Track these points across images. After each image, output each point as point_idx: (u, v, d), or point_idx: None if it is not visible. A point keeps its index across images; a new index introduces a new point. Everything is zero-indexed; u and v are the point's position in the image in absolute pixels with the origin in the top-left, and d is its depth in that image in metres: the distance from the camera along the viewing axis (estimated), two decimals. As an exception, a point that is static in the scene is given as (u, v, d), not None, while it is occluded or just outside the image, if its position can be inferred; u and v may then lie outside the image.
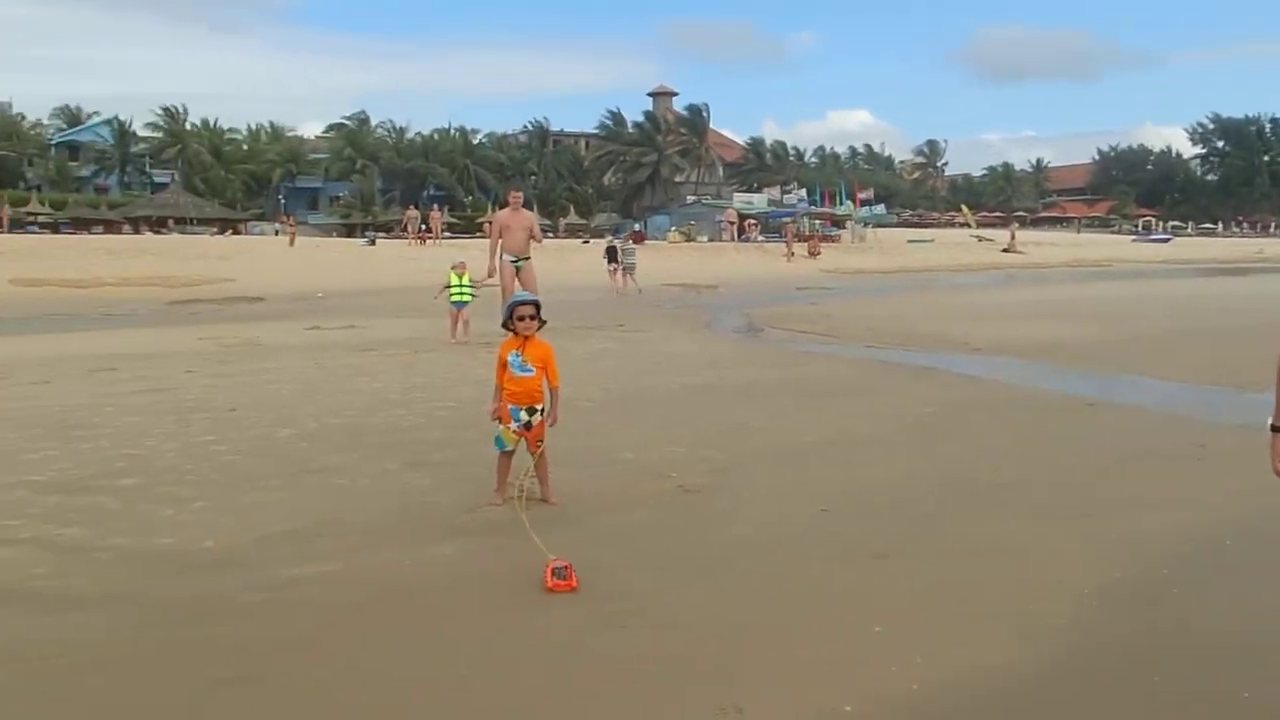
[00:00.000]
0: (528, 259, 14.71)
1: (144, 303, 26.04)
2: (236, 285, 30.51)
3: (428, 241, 45.29)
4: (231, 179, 78.79)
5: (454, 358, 12.60)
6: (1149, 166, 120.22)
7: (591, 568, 4.79)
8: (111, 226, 61.11)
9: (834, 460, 7.22)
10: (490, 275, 14.67)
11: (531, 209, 15.78)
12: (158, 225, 61.31)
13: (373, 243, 49.04)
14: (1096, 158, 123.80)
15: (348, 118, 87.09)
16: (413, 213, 49.79)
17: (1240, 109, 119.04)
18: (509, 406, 5.88)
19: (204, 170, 77.44)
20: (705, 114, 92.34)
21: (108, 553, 5.02)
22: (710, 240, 58.95)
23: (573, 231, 69.54)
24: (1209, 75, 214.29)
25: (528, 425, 5.94)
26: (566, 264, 37.18)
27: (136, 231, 57.31)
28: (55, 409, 8.81)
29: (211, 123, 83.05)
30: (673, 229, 61.51)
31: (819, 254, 51.27)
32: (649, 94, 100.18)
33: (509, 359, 5.89)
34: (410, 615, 4.33)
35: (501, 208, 15.81)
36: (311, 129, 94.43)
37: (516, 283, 14.04)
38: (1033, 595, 4.66)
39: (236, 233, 60.30)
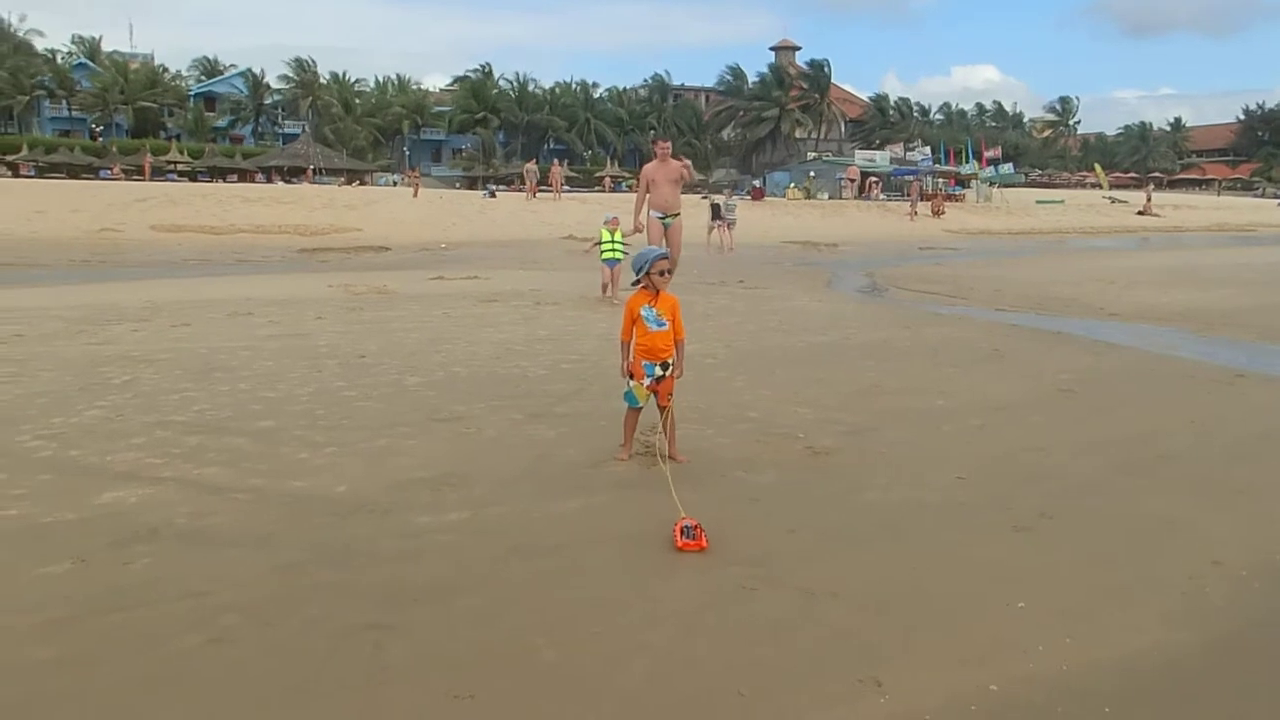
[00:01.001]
0: (677, 215, 13.59)
1: (276, 249, 26.85)
2: (363, 235, 31.21)
3: (538, 195, 44.95)
4: (359, 130, 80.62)
5: (577, 311, 12.61)
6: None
7: (719, 528, 4.69)
8: (246, 175, 63.30)
9: (969, 426, 6.94)
10: (637, 230, 13.71)
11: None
12: (290, 174, 63.20)
13: (493, 195, 49.55)
14: (1241, 117, 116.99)
15: (472, 70, 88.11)
16: (531, 167, 49.85)
17: None
18: (642, 362, 5.79)
19: (333, 121, 79.38)
20: (827, 69, 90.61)
21: (246, 494, 5.13)
22: (831, 198, 57.80)
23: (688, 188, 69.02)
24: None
25: (659, 380, 5.85)
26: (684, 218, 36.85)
27: (269, 180, 59.23)
28: (195, 351, 9.10)
29: (341, 75, 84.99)
30: (792, 185, 60.51)
31: (943, 213, 49.83)
32: (771, 48, 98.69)
33: (642, 313, 5.78)
34: (540, 570, 4.30)
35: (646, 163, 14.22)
36: (436, 82, 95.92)
37: (665, 241, 13.12)
38: (1187, 574, 4.40)
39: (363, 183, 61.67)
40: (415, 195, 43.98)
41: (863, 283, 19.61)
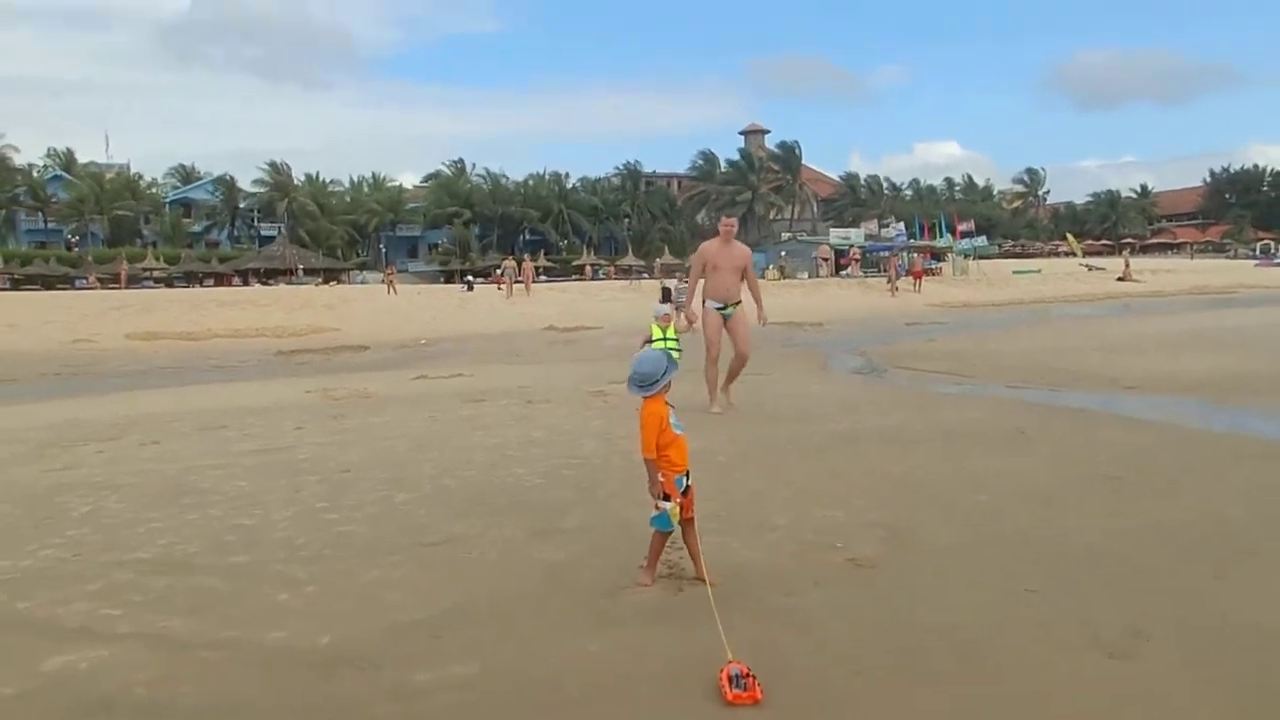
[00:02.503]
0: (738, 304, 11.35)
1: (253, 353, 26.21)
2: (342, 334, 30.65)
3: (514, 291, 43.97)
4: (334, 230, 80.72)
5: (569, 408, 11.96)
6: (1264, 187, 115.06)
7: (770, 669, 4.00)
8: (222, 279, 62.97)
9: (1021, 524, 6.29)
10: (690, 324, 11.68)
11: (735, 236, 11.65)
12: (266, 277, 62.86)
13: (471, 288, 49.23)
14: (1207, 180, 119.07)
15: (445, 165, 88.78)
16: (509, 263, 49.12)
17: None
18: (673, 477, 5.13)
19: (308, 222, 79.48)
20: (798, 151, 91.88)
21: (216, 650, 4.40)
22: (810, 277, 57.86)
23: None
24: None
25: (685, 491, 5.20)
26: (649, 304, 36.51)
27: (246, 283, 58.83)
28: (165, 473, 8.39)
29: (315, 176, 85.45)
30: (770, 266, 60.60)
31: (921, 278, 49.85)
32: (741, 132, 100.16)
33: (672, 421, 5.16)
34: (567, 737, 3.60)
35: (706, 238, 12.13)
36: (410, 179, 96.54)
37: (724, 335, 11.32)
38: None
39: (339, 282, 61.35)
40: (390, 292, 43.58)
41: (860, 363, 19.11)
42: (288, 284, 56.83)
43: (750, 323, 11.33)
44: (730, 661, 3.98)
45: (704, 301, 11.36)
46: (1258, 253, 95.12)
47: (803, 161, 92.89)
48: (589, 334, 31.85)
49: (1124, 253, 78.98)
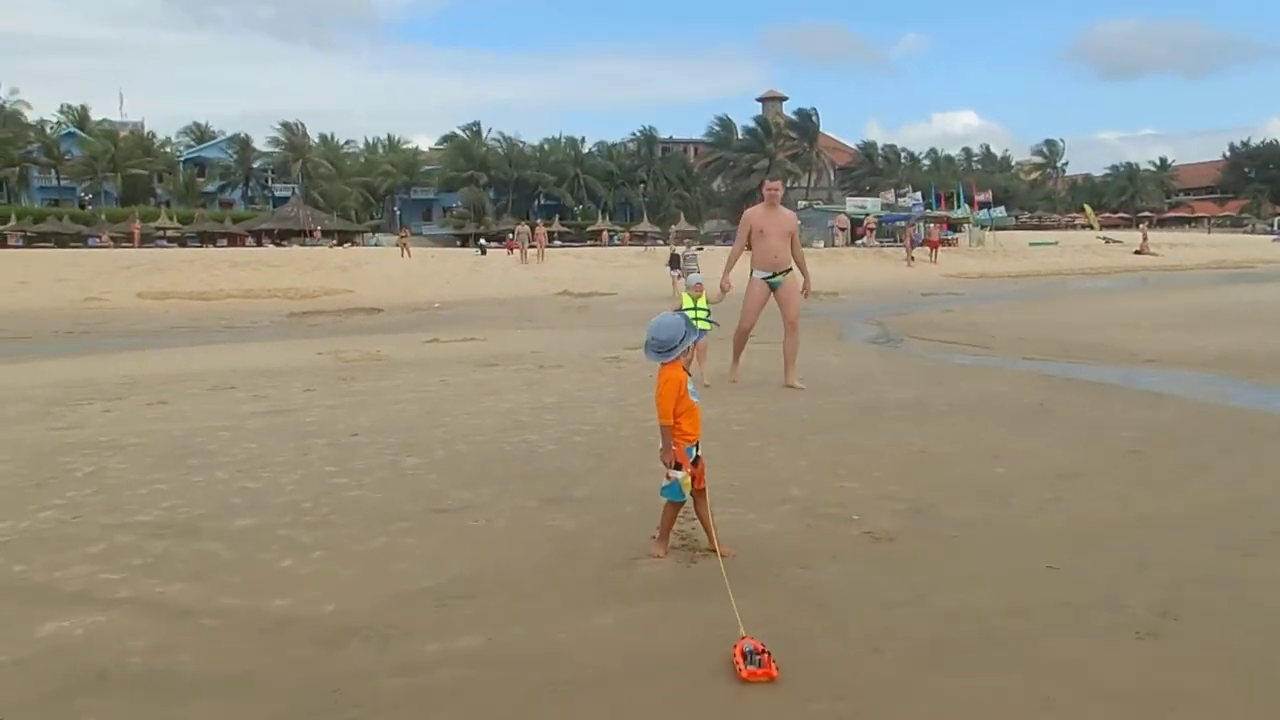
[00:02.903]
0: (789, 271, 10.75)
1: (265, 314, 26.15)
2: (355, 296, 30.56)
3: (527, 256, 43.42)
4: (349, 191, 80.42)
5: (582, 374, 11.82)
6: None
7: (786, 646, 3.86)
8: (235, 240, 62.88)
9: (1041, 500, 6.13)
10: (724, 291, 10.73)
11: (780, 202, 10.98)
12: (279, 238, 62.75)
13: (484, 252, 49.03)
14: (1226, 155, 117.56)
15: (460, 129, 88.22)
16: (522, 228, 48.54)
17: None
18: (684, 446, 4.98)
19: (323, 183, 79.21)
20: (815, 118, 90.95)
21: (216, 618, 4.29)
22: (825, 246, 57.42)
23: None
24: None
25: (695, 462, 5.06)
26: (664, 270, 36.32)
27: (259, 244, 58.75)
28: (171, 433, 8.29)
29: (329, 137, 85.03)
30: (787, 234, 59.92)
31: (938, 248, 49.48)
32: (758, 99, 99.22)
33: (690, 389, 5.00)
34: (579, 714, 3.47)
35: (753, 205, 11.21)
36: (425, 141, 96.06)
37: (763, 308, 10.81)
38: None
39: (354, 244, 61.20)
40: (404, 255, 43.42)
41: (875, 333, 18.91)
42: (301, 245, 56.72)
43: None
44: (744, 637, 3.85)
45: (751, 272, 10.77)
46: (1275, 228, 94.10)
47: (820, 129, 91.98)
48: (603, 300, 31.71)
49: (1141, 226, 78.16)
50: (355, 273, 36.24)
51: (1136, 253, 57.52)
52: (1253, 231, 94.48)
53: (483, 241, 56.76)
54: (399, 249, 46.07)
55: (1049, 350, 14.33)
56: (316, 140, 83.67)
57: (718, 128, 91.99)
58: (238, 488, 6.45)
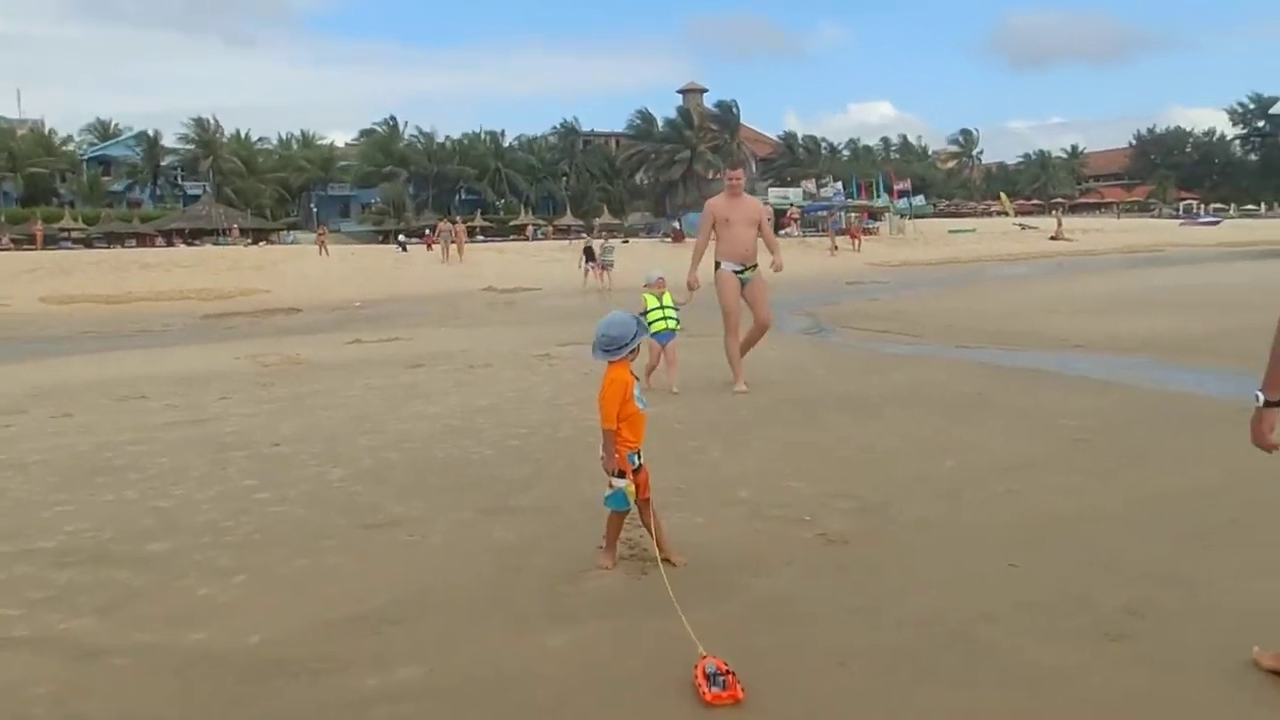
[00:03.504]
0: (755, 267, 10.03)
1: (178, 317, 25.26)
2: (272, 296, 29.73)
3: (450, 254, 42.01)
4: (263, 189, 78.43)
5: (514, 372, 11.50)
6: (1188, 149, 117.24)
7: (748, 660, 3.64)
8: (145, 240, 60.87)
9: (993, 494, 6.01)
10: (692, 289, 9.93)
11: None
12: (191, 238, 60.96)
13: (404, 249, 48.14)
14: (1133, 142, 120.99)
15: (377, 124, 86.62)
16: (444, 225, 46.88)
17: (1268, 88, 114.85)
18: (625, 453, 4.71)
19: (236, 181, 77.13)
20: (736, 110, 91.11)
21: (127, 657, 3.92)
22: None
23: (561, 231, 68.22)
24: (1237, 56, 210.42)
25: (638, 470, 4.80)
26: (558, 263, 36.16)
27: (170, 244, 56.98)
28: (77, 449, 7.78)
29: (242, 133, 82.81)
30: (711, 226, 60.05)
31: (860, 243, 49.98)
32: (679, 90, 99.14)
33: (636, 393, 4.73)
34: (531, 754, 3.20)
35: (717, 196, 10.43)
36: (340, 137, 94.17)
37: (742, 303, 9.98)
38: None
39: (269, 243, 59.71)
40: (323, 253, 42.42)
41: (807, 323, 18.86)
42: (215, 244, 55.13)
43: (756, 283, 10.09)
44: (704, 656, 3.61)
45: (717, 265, 9.99)
46: (1181, 212, 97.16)
47: (741, 121, 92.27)
48: (528, 295, 31.32)
49: (1056, 212, 79.99)
50: (272, 272, 35.27)
51: (1052, 239, 58.77)
52: (1159, 216, 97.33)
53: (402, 238, 55.74)
54: (317, 247, 44.95)
55: (979, 338, 14.38)
56: (228, 136, 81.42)
57: (639, 120, 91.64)
58: (150, 507, 6.02)
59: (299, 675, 3.72)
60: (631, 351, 4.73)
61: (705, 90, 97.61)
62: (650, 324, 9.37)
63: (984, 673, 3.68)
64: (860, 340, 15.30)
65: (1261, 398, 3.24)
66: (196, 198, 75.35)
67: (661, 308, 9.75)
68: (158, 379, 11.73)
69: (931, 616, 4.19)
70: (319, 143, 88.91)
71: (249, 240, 59.38)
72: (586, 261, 32.92)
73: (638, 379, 4.79)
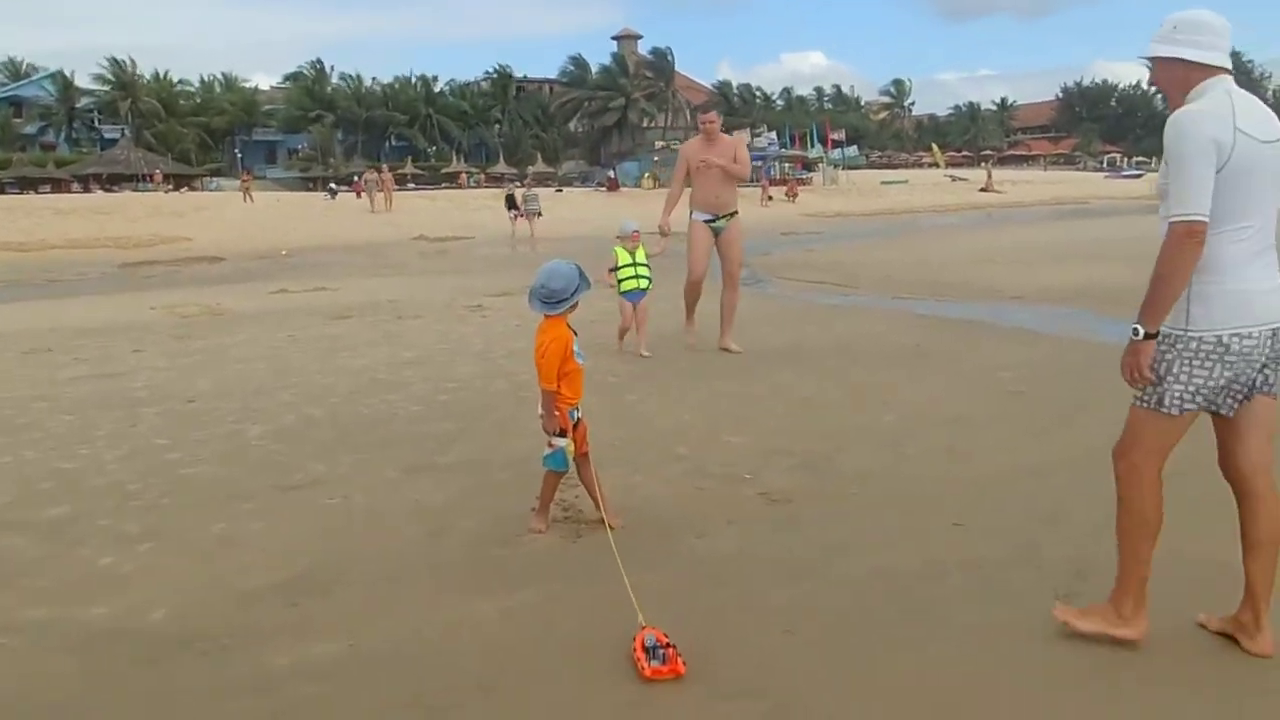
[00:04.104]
0: (733, 214, 9.32)
1: (94, 265, 24.32)
2: (193, 245, 28.79)
3: (376, 202, 39.98)
4: (185, 133, 75.84)
5: (444, 325, 11.15)
6: (1113, 103, 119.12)
7: (691, 629, 3.47)
8: (60, 185, 58.62)
9: (935, 447, 5.90)
10: (663, 234, 9.45)
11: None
12: (109, 183, 58.80)
13: (334, 196, 46.91)
14: (1059, 95, 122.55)
15: (303, 67, 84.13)
16: (370, 174, 44.64)
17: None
18: (566, 410, 4.47)
19: (156, 124, 74.45)
20: (670, 57, 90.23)
21: (19, 635, 3.61)
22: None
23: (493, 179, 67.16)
24: (1162, 8, 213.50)
25: (576, 424, 4.58)
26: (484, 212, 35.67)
27: (86, 190, 54.92)
28: (-26, 405, 7.32)
29: (162, 74, 79.85)
30: (646, 174, 59.73)
31: (797, 195, 49.94)
32: (614, 37, 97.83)
33: (576, 349, 4.48)
34: (459, 736, 2.99)
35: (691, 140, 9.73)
36: (265, 80, 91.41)
37: (712, 254, 9.39)
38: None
39: (192, 189, 57.87)
40: (248, 200, 41.13)
41: (743, 274, 18.65)
42: (135, 190, 53.22)
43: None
44: (644, 628, 3.42)
45: (691, 213, 9.33)
46: (1105, 165, 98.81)
47: (676, 69, 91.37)
48: (461, 244, 30.74)
49: (986, 164, 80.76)
50: (194, 219, 34.12)
51: (982, 190, 59.36)
52: (1085, 168, 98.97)
53: (332, 185, 54.33)
54: (241, 193, 43.53)
55: (915, 289, 14.33)
56: (148, 77, 78.39)
57: (573, 67, 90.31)
58: (50, 469, 5.64)
59: (207, 652, 3.46)
60: (571, 306, 4.48)
61: (640, 37, 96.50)
62: (620, 282, 9.02)
63: (934, 634, 3.55)
64: (797, 291, 15.18)
65: (1141, 331, 3.16)
66: (114, 141, 72.53)
67: (634, 264, 8.99)
68: (66, 331, 11.17)
69: (875, 577, 4.05)
70: (243, 85, 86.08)
71: (170, 186, 57.46)
72: (510, 210, 32.80)
73: (577, 334, 4.53)
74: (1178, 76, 3.18)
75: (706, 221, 9.23)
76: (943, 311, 11.94)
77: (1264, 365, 3.21)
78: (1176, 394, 3.22)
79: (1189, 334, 3.16)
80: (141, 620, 3.72)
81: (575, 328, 4.53)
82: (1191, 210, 2.99)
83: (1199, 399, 3.22)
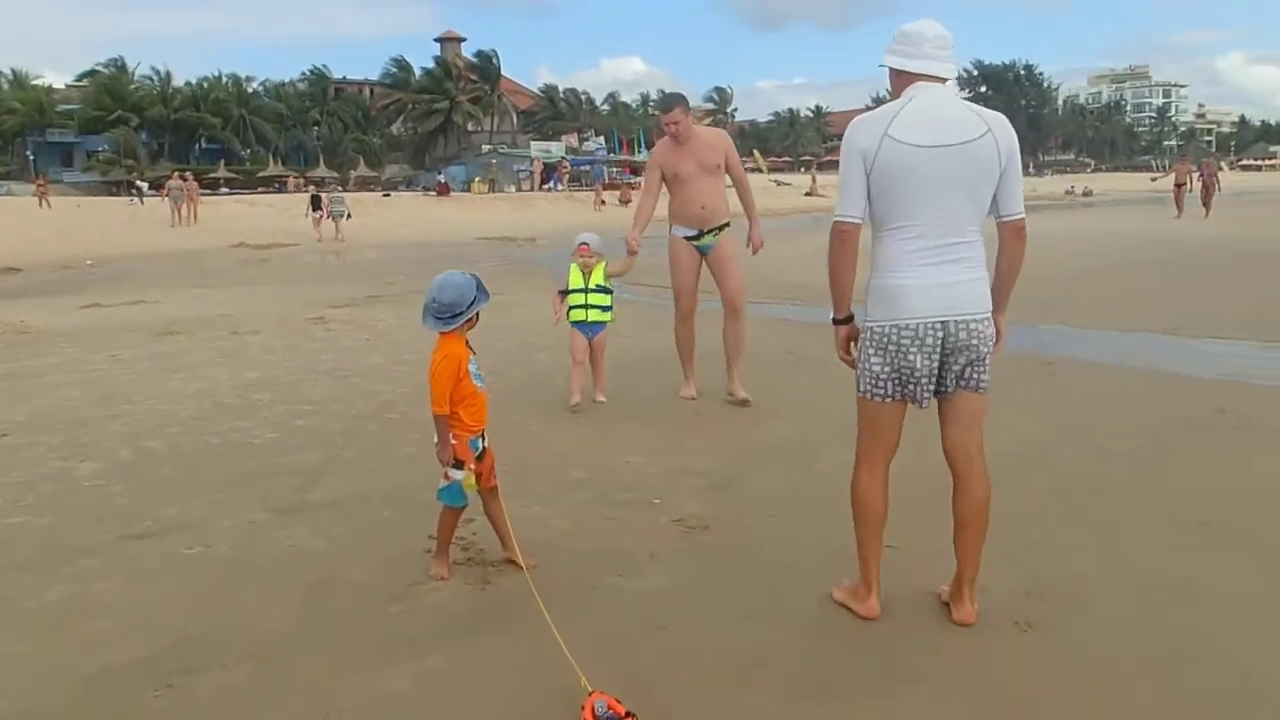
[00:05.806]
0: (725, 226, 7.40)
1: None
2: (-16, 255, 26.29)
3: (181, 214, 36.27)
4: (-34, 134, 70.00)
5: (286, 340, 10.31)
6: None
7: (637, 688, 3.09)
8: None
9: (843, 461, 5.58)
10: (631, 253, 7.45)
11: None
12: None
13: (142, 200, 43.95)
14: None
15: (102, 65, 78.91)
16: (174, 181, 40.48)
17: (988, 55, 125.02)
18: (467, 439, 3.98)
19: (-68, 124, 68.43)
20: (496, 61, 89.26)
21: None
22: (516, 190, 56.71)
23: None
24: (969, 25, 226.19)
25: (481, 455, 4.09)
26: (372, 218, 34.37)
27: None
28: None
29: (-63, 70, 73.43)
30: (477, 179, 58.77)
31: (630, 201, 50.06)
32: (436, 39, 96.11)
33: (471, 369, 4.01)
34: None
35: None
36: (58, 79, 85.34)
37: (699, 275, 7.60)
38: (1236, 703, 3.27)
39: (-23, 194, 53.20)
40: (44, 205, 38.05)
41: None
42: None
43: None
44: (592, 694, 2.99)
45: (671, 228, 7.56)
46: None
47: (502, 73, 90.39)
48: (286, 252, 29.28)
49: (811, 170, 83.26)
50: (-17, 227, 31.28)
51: (807, 194, 61.00)
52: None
53: (139, 185, 50.89)
54: (36, 199, 40.19)
55: (770, 292, 14.24)
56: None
57: (395, 69, 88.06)
58: None
59: (61, 762, 2.82)
60: (468, 321, 4.00)
61: (464, 40, 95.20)
62: (570, 310, 7.25)
63: (900, 679, 3.26)
64: (652, 296, 14.90)
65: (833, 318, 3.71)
66: (-116, 143, 66.21)
67: (585, 290, 7.15)
68: None
69: (824, 616, 3.74)
70: (33, 84, 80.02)
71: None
72: (314, 211, 32.47)
73: (474, 353, 4.06)
74: (894, 82, 3.49)
75: (689, 239, 7.43)
76: (804, 316, 11.94)
77: (948, 356, 3.41)
78: (866, 380, 3.55)
79: (866, 324, 3.52)
80: (-30, 723, 3.03)
81: (475, 347, 4.07)
82: (839, 211, 3.48)
83: (888, 386, 3.50)
